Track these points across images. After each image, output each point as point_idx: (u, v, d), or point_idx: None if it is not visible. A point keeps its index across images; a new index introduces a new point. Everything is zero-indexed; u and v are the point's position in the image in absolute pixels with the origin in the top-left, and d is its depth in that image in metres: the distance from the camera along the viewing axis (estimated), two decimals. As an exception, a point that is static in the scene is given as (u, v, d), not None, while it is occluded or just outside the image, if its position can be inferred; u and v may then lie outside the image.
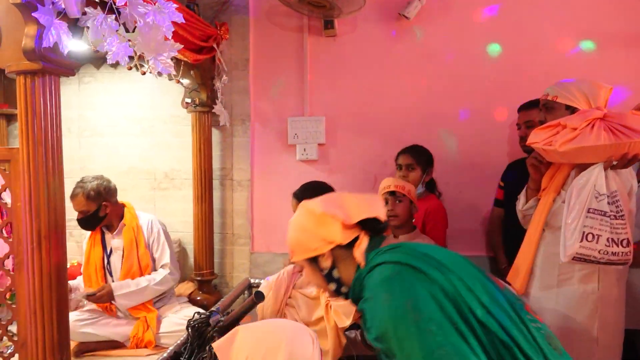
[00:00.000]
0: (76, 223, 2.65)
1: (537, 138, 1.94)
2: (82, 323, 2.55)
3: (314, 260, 1.34)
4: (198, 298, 2.97)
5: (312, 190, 2.32)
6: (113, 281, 2.68)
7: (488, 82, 2.87)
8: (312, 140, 3.05)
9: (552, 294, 2.04)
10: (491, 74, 2.86)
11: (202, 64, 2.79)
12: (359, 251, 1.31)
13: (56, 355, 1.63)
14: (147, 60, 1.70)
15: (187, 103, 2.99)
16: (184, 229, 3.17)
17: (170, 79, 3.03)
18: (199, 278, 3.01)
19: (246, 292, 2.95)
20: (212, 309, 2.00)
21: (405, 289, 1.15)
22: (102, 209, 2.64)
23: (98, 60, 3.16)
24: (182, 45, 1.71)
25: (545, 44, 2.81)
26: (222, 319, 1.89)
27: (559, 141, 1.81)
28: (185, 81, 2.88)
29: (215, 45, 2.72)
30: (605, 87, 2.15)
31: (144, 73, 2.07)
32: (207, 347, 1.73)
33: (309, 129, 3.05)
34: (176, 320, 2.62)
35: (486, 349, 1.12)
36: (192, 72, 2.78)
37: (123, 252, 2.69)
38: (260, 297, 1.78)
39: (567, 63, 2.79)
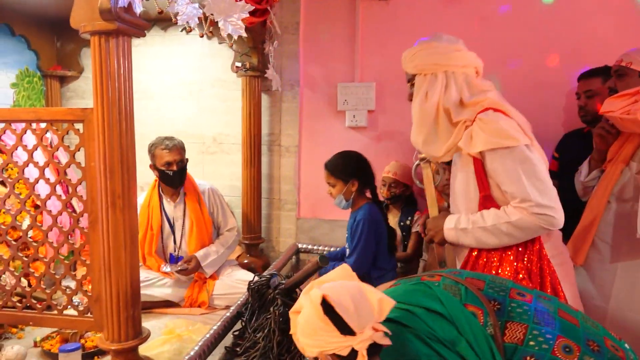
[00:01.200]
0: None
1: (613, 107, 1.87)
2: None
3: None
4: (245, 261, 3.02)
5: (343, 159, 2.35)
6: (175, 250, 2.75)
7: (542, 36, 2.76)
8: (361, 106, 3.02)
9: (615, 268, 2.01)
10: (546, 26, 2.75)
11: (254, 27, 2.76)
12: None
13: (129, 310, 1.68)
14: (216, 22, 1.69)
15: (237, 67, 2.97)
16: (232, 193, 3.21)
17: (220, 43, 3.03)
18: (247, 242, 3.06)
19: (294, 257, 2.99)
20: (272, 271, 2.03)
21: None
22: (186, 163, 2.74)
23: (148, 22, 3.16)
24: (253, 7, 1.69)
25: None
26: (283, 281, 1.93)
27: None
28: (235, 45, 2.87)
29: (269, 8, 2.68)
30: None
31: (202, 35, 2.06)
32: (272, 308, 1.78)
33: (358, 95, 3.01)
34: (229, 283, 2.68)
35: None
36: (243, 36, 2.76)
37: (185, 220, 2.74)
38: (324, 261, 1.80)
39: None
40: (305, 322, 1.06)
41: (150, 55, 3.26)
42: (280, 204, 3.21)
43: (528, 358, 1.11)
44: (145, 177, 3.06)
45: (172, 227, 2.77)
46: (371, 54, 3.00)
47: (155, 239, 2.71)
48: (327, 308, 1.02)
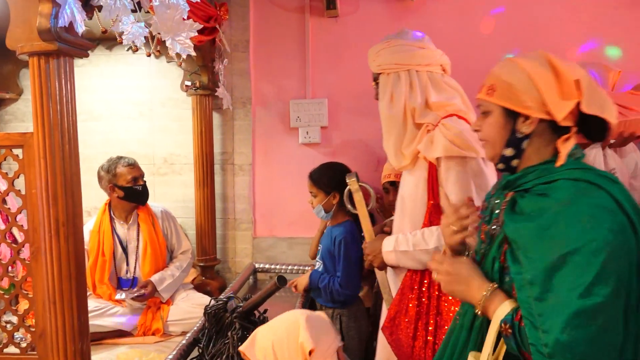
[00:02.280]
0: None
1: None
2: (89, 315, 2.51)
3: (511, 115, 1.13)
4: (201, 284, 2.94)
5: (328, 171, 2.32)
6: (127, 272, 2.66)
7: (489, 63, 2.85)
8: (314, 123, 3.02)
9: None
10: (487, 59, 2.85)
11: (203, 45, 2.72)
12: (567, 146, 1.09)
13: (76, 343, 1.59)
14: (164, 41, 1.64)
15: (187, 86, 2.92)
16: (185, 214, 3.13)
17: (168, 61, 2.97)
18: (202, 264, 2.98)
19: (251, 277, 2.93)
20: (229, 294, 1.98)
21: (613, 234, 0.96)
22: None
23: (92, 42, 3.06)
24: (202, 25, 1.66)
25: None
26: (241, 304, 1.88)
27: None
28: (185, 64, 2.82)
29: (217, 26, 2.65)
30: (614, 71, 2.18)
31: (149, 54, 2.01)
32: (230, 332, 1.72)
33: (311, 111, 3.01)
34: (184, 307, 2.60)
35: None
36: (195, 53, 2.71)
37: (139, 243, 2.66)
38: (283, 281, 1.77)
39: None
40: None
41: (96, 75, 3.15)
42: (236, 224, 3.15)
43: None
44: (93, 202, 2.95)
45: (125, 250, 2.67)
46: (322, 70, 3.02)
47: (107, 265, 2.61)
48: None
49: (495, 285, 1.09)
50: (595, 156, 1.76)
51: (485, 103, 1.18)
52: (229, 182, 3.13)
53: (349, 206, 2.08)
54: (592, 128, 1.10)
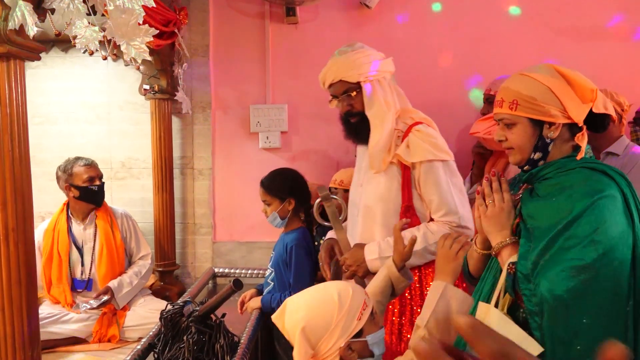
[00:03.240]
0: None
1: (479, 128, 2.09)
2: (42, 322, 2.45)
3: (537, 124, 1.26)
4: (159, 289, 2.91)
5: (280, 177, 2.32)
6: (82, 272, 2.62)
7: (445, 77, 2.95)
8: (274, 128, 3.04)
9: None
10: (442, 69, 2.95)
11: (162, 49, 2.71)
12: (584, 141, 1.27)
13: (27, 351, 1.56)
14: (118, 46, 1.64)
15: (145, 90, 2.90)
16: (143, 219, 3.09)
17: (126, 65, 2.94)
18: (160, 269, 2.95)
19: (210, 281, 2.93)
20: (186, 299, 1.98)
21: (621, 219, 1.14)
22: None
23: (46, 43, 3.00)
24: (158, 31, 1.67)
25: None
26: (197, 308, 1.88)
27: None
28: (143, 67, 2.80)
29: (176, 30, 2.65)
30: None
31: (105, 58, 1.99)
32: (186, 337, 1.73)
33: (271, 116, 3.04)
34: (142, 313, 2.57)
35: None
36: (151, 58, 2.70)
37: (96, 244, 2.61)
38: (239, 285, 1.78)
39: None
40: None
41: (51, 77, 3.09)
42: (195, 228, 3.14)
43: None
44: (48, 207, 2.89)
45: (80, 250, 2.63)
46: (282, 75, 3.05)
47: (64, 264, 2.56)
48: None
49: (515, 239, 1.26)
50: None
51: (509, 116, 1.29)
52: (188, 187, 3.12)
53: (319, 219, 2.09)
54: (597, 123, 1.29)
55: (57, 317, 2.46)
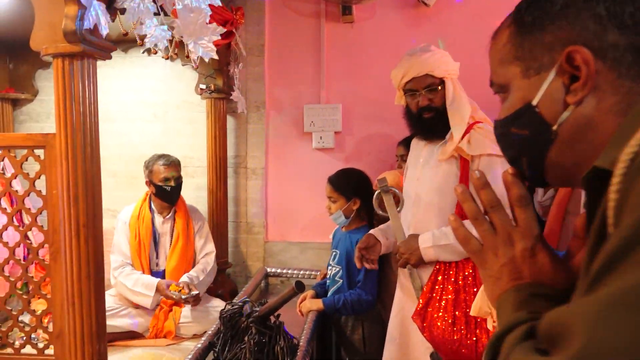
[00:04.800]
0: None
1: None
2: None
3: None
4: (212, 287, 2.93)
5: (348, 176, 2.32)
6: (157, 264, 2.71)
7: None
8: (328, 128, 3.02)
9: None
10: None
11: (218, 49, 2.72)
12: None
13: (94, 345, 1.59)
14: (186, 45, 1.65)
15: (201, 89, 2.93)
16: (197, 217, 3.13)
17: (183, 64, 2.98)
18: (213, 267, 2.97)
19: (262, 281, 2.93)
20: (243, 298, 1.97)
21: None
22: (182, 180, 2.75)
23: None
24: (225, 29, 1.67)
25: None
26: (257, 309, 1.87)
27: None
28: (200, 67, 2.82)
29: (234, 30, 2.66)
30: None
31: (167, 57, 2.02)
32: (247, 337, 1.72)
33: (325, 116, 3.02)
34: (196, 310, 2.59)
35: None
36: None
37: (173, 237, 2.70)
38: (301, 287, 1.76)
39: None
40: None
41: (112, 76, 3.17)
42: (248, 227, 3.15)
43: None
44: (111, 204, 2.96)
45: (156, 242, 2.71)
46: (337, 75, 3.02)
47: (146, 253, 2.67)
48: None
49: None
50: None
51: None
52: (241, 186, 3.14)
53: (378, 209, 2.09)
54: None
55: (116, 311, 2.51)
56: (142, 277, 2.57)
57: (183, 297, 2.49)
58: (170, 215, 2.74)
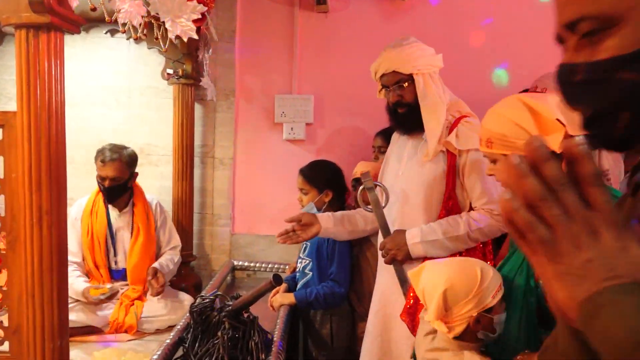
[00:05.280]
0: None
1: None
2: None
3: None
4: (175, 280, 2.82)
5: (320, 167, 2.27)
6: (116, 262, 2.55)
7: (477, 72, 2.87)
8: (299, 119, 2.95)
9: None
10: (475, 63, 2.86)
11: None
12: None
13: (55, 340, 1.47)
14: (156, 26, 1.55)
15: (168, 74, 2.80)
16: (161, 208, 3.00)
17: (149, 47, 2.85)
18: (177, 259, 2.86)
19: (229, 275, 2.84)
20: (216, 292, 1.89)
21: None
22: (131, 180, 2.53)
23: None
24: (207, 8, 1.58)
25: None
26: (229, 303, 1.80)
27: None
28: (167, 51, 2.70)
29: (206, 13, 2.55)
30: None
31: (137, 38, 1.90)
32: (220, 332, 1.64)
33: (297, 107, 2.95)
34: (159, 305, 2.47)
35: None
36: (176, 41, 2.61)
37: (133, 233, 2.54)
38: (279, 280, 1.70)
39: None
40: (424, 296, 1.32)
41: (70, 57, 2.95)
42: (214, 219, 3.05)
43: None
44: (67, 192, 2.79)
45: (112, 238, 2.54)
46: (310, 66, 2.96)
47: (102, 251, 2.50)
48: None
49: None
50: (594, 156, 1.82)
51: (488, 154, 1.35)
52: (208, 176, 3.03)
53: (361, 204, 2.06)
54: None
55: (72, 305, 2.36)
56: (74, 282, 2.39)
57: (102, 296, 2.38)
58: (127, 209, 2.57)
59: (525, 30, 2.81)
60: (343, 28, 2.93)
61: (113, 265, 2.55)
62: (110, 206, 2.56)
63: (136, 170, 2.59)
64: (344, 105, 2.96)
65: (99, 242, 2.50)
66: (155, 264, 2.51)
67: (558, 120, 1.21)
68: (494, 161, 1.35)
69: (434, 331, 1.35)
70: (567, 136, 1.19)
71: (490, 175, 1.39)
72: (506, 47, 2.84)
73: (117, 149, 2.49)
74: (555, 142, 1.19)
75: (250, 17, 2.95)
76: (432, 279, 1.32)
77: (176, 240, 2.71)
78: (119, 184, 2.47)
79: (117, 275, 2.54)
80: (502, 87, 2.85)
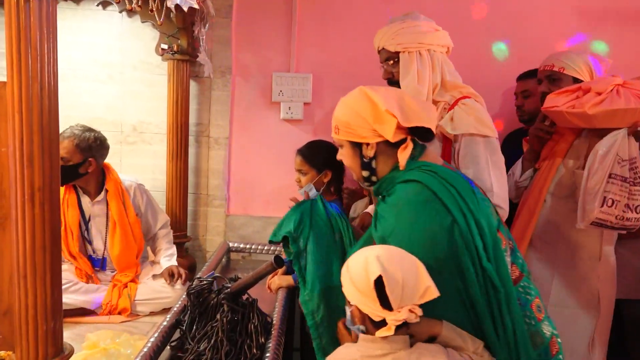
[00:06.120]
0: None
1: (557, 102, 1.92)
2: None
3: (356, 145, 1.39)
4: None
5: (319, 147, 2.21)
6: (93, 251, 2.46)
7: (482, 46, 2.81)
8: (297, 98, 2.88)
9: (554, 266, 2.06)
10: (477, 44, 2.80)
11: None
12: (404, 155, 1.35)
13: (48, 322, 1.42)
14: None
15: (163, 49, 2.71)
16: (154, 187, 2.91)
17: (143, 21, 2.76)
18: (171, 241, 2.80)
19: (224, 257, 2.79)
20: (214, 274, 1.84)
21: (429, 220, 1.25)
22: (84, 165, 2.32)
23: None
24: (208, -25, 1.50)
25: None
26: (228, 285, 1.75)
27: (588, 104, 1.79)
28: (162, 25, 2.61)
29: (203, -14, 2.47)
30: (605, 61, 2.18)
31: (131, 9, 1.83)
32: (219, 315, 1.60)
33: (294, 86, 2.87)
34: (153, 287, 2.42)
35: (476, 296, 1.22)
36: (171, 15, 2.52)
37: (109, 221, 2.44)
38: (280, 262, 1.66)
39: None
40: (353, 279, 1.18)
41: (62, 29, 2.86)
42: (208, 200, 2.99)
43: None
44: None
45: (86, 225, 2.45)
46: (308, 44, 2.88)
47: (76, 239, 2.40)
48: (378, 282, 1.12)
49: None
50: (621, 142, 1.76)
51: (337, 139, 1.44)
52: (203, 156, 2.96)
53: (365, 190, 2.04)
54: (417, 135, 1.36)
55: (66, 286, 2.30)
56: None
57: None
58: (101, 197, 2.43)
59: (526, 7, 2.76)
60: (343, 6, 2.84)
61: (91, 253, 2.46)
62: (80, 193, 2.44)
63: (102, 159, 2.44)
64: (343, 85, 2.80)
65: (72, 231, 2.38)
66: (166, 263, 2.48)
67: (388, 111, 1.28)
68: (341, 146, 1.44)
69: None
70: (400, 126, 1.30)
71: (340, 160, 1.46)
72: (507, 24, 2.78)
73: (77, 129, 2.33)
74: (387, 132, 1.31)
75: (248, -9, 2.86)
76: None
77: (164, 216, 2.64)
78: (66, 165, 2.26)
79: (98, 263, 2.45)
80: (503, 61, 2.80)
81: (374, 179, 1.41)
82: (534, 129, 2.15)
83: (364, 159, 1.39)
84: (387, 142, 1.35)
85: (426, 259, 1.20)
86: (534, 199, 2.10)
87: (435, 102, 1.77)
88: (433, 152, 1.43)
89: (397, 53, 1.80)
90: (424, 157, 1.39)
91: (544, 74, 2.15)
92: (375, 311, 1.13)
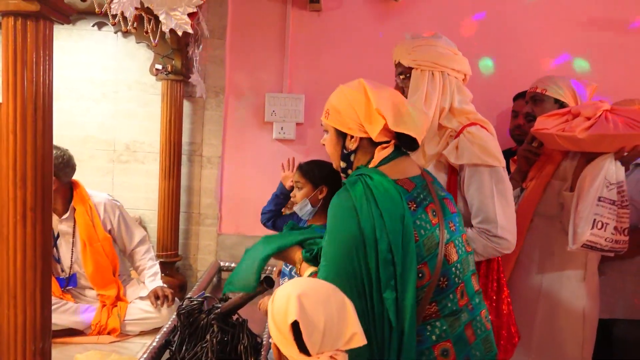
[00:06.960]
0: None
1: (547, 124, 1.95)
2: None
3: (341, 135, 1.37)
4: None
5: (318, 165, 2.20)
6: (62, 270, 2.41)
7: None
8: (290, 118, 2.91)
9: (540, 285, 2.08)
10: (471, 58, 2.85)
11: (179, 28, 2.56)
12: (380, 155, 1.33)
13: (37, 342, 1.42)
14: (155, 16, 1.50)
15: (157, 70, 2.74)
16: (146, 206, 2.94)
17: (138, 42, 2.79)
18: (162, 260, 2.79)
19: (215, 276, 2.79)
20: (204, 294, 1.84)
21: (346, 229, 1.24)
22: None
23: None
24: (202, 1, 1.53)
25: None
26: (218, 305, 1.75)
27: (577, 128, 1.83)
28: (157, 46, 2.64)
29: (197, 8, 2.50)
30: (591, 85, 2.23)
31: (126, 30, 1.85)
32: (209, 336, 1.59)
33: (287, 106, 2.91)
34: (143, 307, 2.41)
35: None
36: (166, 36, 2.55)
37: (75, 239, 2.40)
38: (270, 283, 1.66)
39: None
40: (274, 316, 1.05)
41: (57, 49, 2.89)
42: (200, 219, 3.00)
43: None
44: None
45: (55, 243, 2.38)
46: (301, 65, 2.92)
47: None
48: (295, 326, 0.99)
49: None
50: (608, 166, 1.79)
51: (324, 123, 1.41)
52: (195, 175, 2.98)
53: None
54: (402, 141, 1.34)
55: (56, 306, 2.29)
56: None
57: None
58: (67, 215, 2.39)
59: (515, 28, 2.83)
60: (336, 28, 2.89)
61: (60, 274, 2.41)
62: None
63: (68, 178, 2.40)
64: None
65: None
66: (151, 284, 2.46)
67: (379, 111, 1.28)
68: (326, 131, 1.42)
69: None
70: (387, 128, 1.29)
71: (323, 144, 1.44)
72: (496, 43, 2.84)
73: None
74: (373, 131, 1.29)
75: (242, 13, 2.90)
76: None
77: (140, 231, 2.58)
78: None
79: (63, 283, 2.40)
80: (489, 78, 2.86)
81: (349, 172, 1.40)
82: (522, 149, 2.19)
83: (345, 150, 1.37)
84: (370, 139, 1.34)
85: (340, 269, 1.21)
86: (521, 218, 2.12)
87: (441, 127, 1.73)
88: (408, 162, 1.38)
89: (410, 69, 1.76)
90: (394, 164, 1.34)
91: (529, 96, 2.22)
92: (293, 354, 1.02)
